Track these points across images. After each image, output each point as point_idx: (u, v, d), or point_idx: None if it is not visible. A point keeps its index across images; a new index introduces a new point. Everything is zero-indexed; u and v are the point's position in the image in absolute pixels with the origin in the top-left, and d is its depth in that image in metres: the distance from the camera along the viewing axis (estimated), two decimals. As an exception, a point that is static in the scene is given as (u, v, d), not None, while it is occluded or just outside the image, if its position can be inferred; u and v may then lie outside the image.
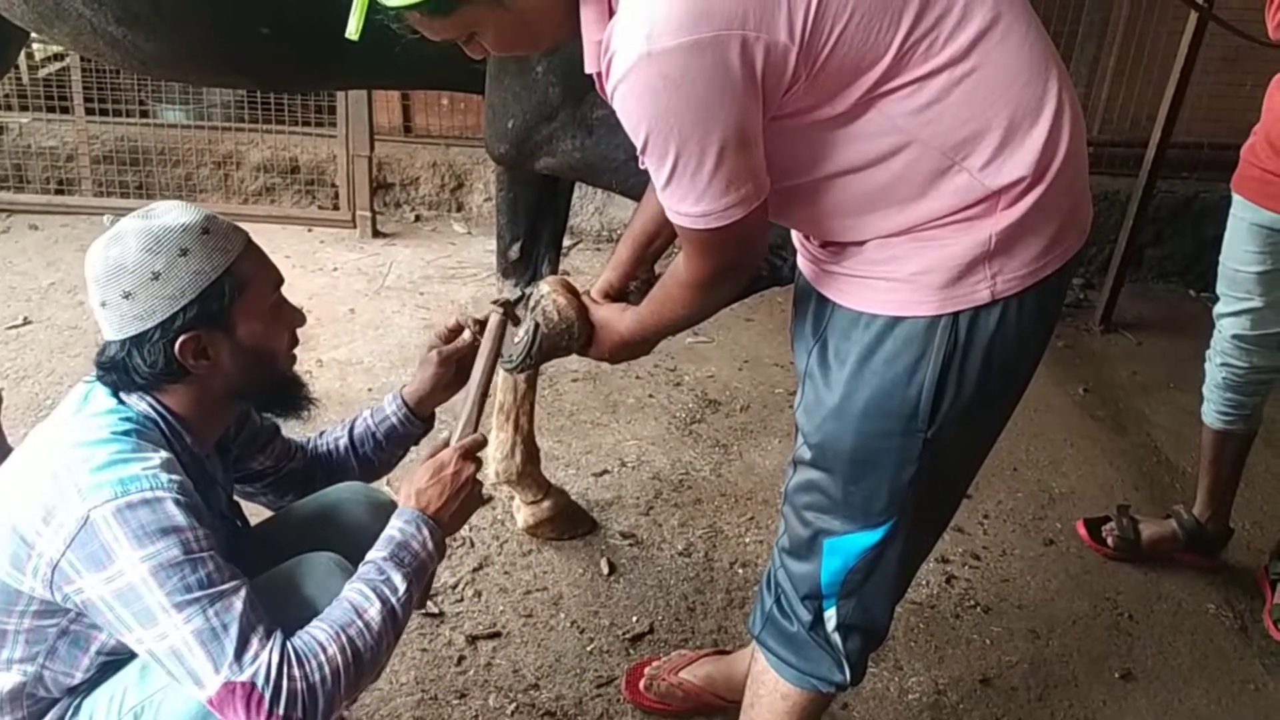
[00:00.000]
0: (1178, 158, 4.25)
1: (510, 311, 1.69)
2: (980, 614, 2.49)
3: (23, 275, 3.86)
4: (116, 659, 1.43)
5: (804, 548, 1.53)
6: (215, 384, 1.45)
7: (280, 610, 1.34)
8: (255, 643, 1.27)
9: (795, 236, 1.52)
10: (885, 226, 1.30)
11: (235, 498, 1.69)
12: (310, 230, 4.46)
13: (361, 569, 1.43)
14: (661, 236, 1.66)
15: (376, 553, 1.44)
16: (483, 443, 1.60)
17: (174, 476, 1.33)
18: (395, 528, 1.47)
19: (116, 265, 1.35)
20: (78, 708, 1.46)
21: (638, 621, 2.37)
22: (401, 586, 1.39)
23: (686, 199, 1.22)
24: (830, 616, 1.56)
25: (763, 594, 1.65)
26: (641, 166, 1.24)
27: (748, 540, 2.67)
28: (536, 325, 1.59)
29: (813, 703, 1.66)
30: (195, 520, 1.31)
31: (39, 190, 4.49)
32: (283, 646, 1.28)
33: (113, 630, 1.31)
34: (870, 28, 1.17)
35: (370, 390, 3.23)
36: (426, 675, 2.16)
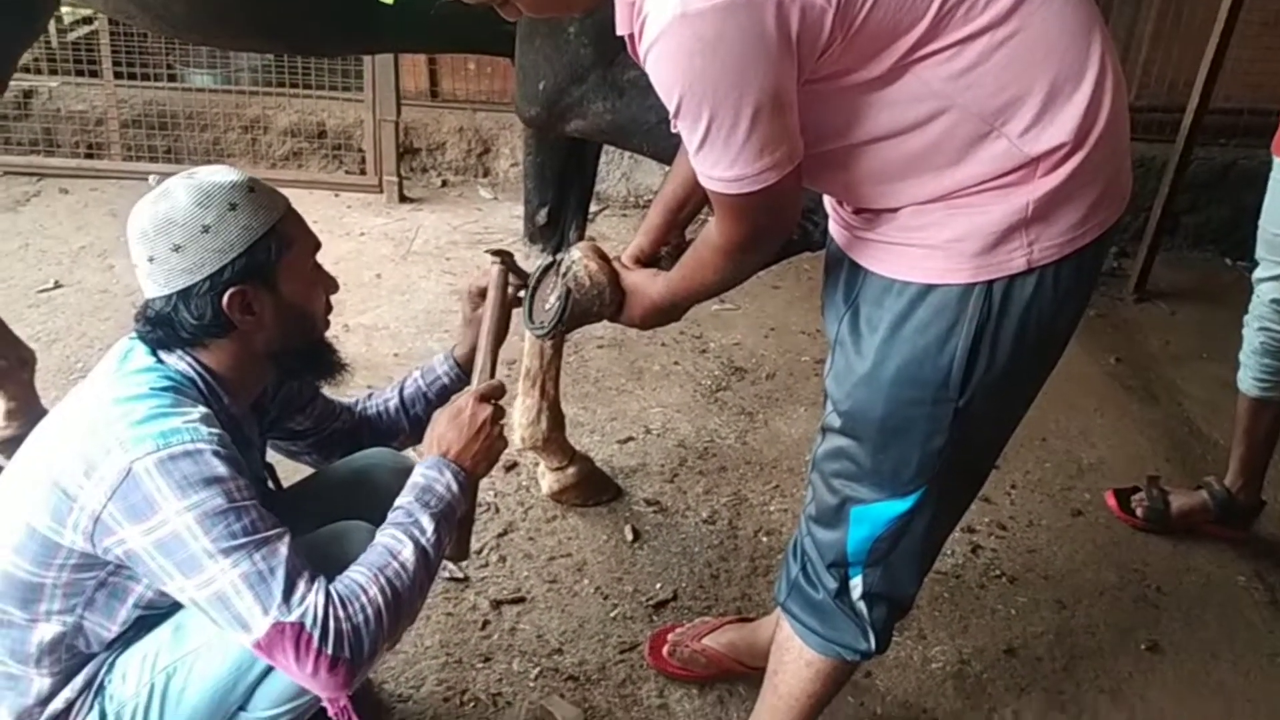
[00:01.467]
0: (1216, 123, 4.17)
1: (509, 261, 1.69)
2: (1006, 584, 2.48)
3: (53, 239, 3.88)
4: (154, 613, 1.46)
5: (831, 515, 1.53)
6: (256, 341, 1.46)
7: (320, 570, 1.37)
8: (301, 585, 1.30)
9: (828, 202, 1.50)
10: (920, 193, 1.28)
11: (270, 461, 1.71)
12: (337, 195, 4.46)
13: (391, 515, 1.46)
14: (693, 201, 1.65)
15: (403, 498, 1.47)
16: (499, 388, 1.62)
17: (214, 430, 1.35)
18: (419, 473, 1.50)
19: (166, 219, 1.37)
20: (111, 664, 1.49)
21: (661, 588, 2.37)
22: (430, 527, 1.43)
23: (720, 163, 1.20)
24: (856, 585, 1.55)
25: (788, 562, 1.65)
26: (674, 130, 1.23)
27: (772, 508, 2.67)
28: (568, 290, 1.59)
29: (837, 670, 1.66)
30: (236, 471, 1.34)
31: (69, 154, 4.51)
32: (327, 589, 1.31)
33: (155, 581, 1.34)
34: None
35: (396, 355, 3.24)
36: (451, 639, 2.17)
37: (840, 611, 1.58)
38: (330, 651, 1.28)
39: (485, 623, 2.23)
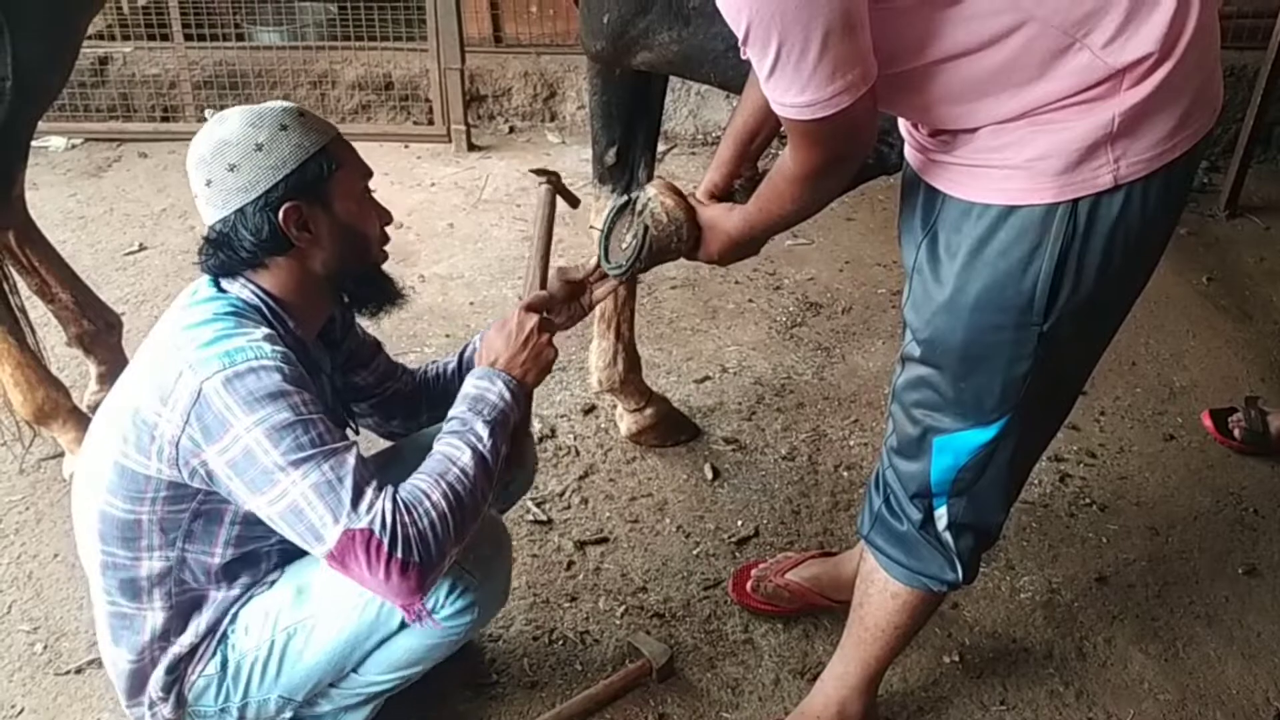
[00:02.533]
0: (1312, 26, 3.96)
1: (555, 180, 1.69)
2: (1096, 512, 2.43)
3: (135, 203, 3.98)
4: (252, 533, 1.51)
5: (913, 446, 1.51)
6: (314, 261, 1.49)
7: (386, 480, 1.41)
8: (370, 493, 1.34)
9: (902, 124, 1.46)
10: (1000, 112, 1.23)
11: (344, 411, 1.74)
12: (407, 146, 4.48)
13: (446, 425, 1.50)
14: (763, 132, 1.61)
15: (457, 408, 1.51)
16: (546, 298, 1.64)
17: (277, 348, 1.40)
18: (470, 384, 1.54)
19: (221, 141, 1.42)
20: (235, 616, 1.56)
21: (742, 525, 2.38)
22: (485, 433, 1.46)
23: (791, 89, 1.17)
24: (941, 515, 1.54)
25: (870, 494, 1.64)
26: (744, 57, 1.20)
27: (852, 443, 2.65)
28: (646, 228, 1.58)
29: (924, 601, 1.65)
30: (301, 386, 1.38)
31: (145, 119, 4.60)
32: (394, 496, 1.35)
33: (237, 501, 1.39)
34: None
35: (472, 304, 3.26)
36: (538, 580, 2.21)
37: (925, 542, 1.57)
38: (400, 555, 1.32)
39: (570, 563, 2.26)
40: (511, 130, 4.71)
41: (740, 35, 1.16)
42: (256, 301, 1.47)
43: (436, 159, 4.39)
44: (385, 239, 1.59)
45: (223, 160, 1.42)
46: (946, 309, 1.36)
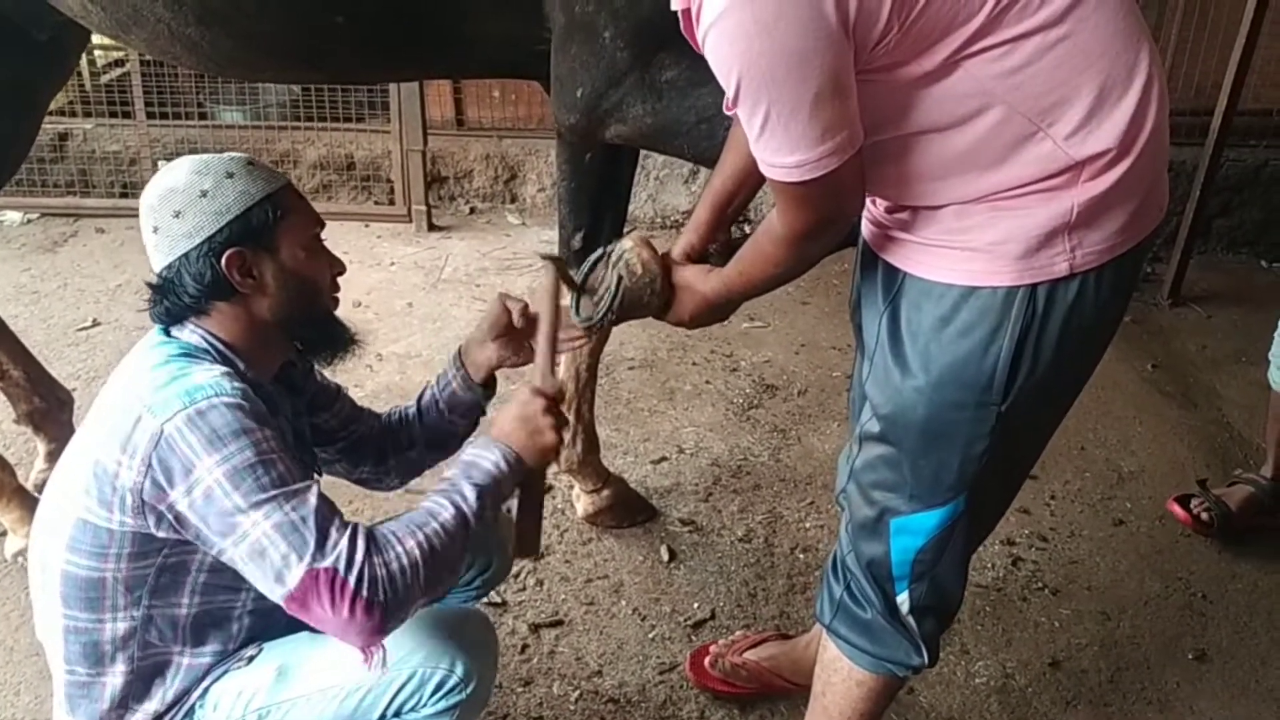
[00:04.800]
0: (1245, 125, 4.13)
1: (561, 266, 1.69)
2: (1048, 596, 2.45)
3: (91, 278, 3.95)
4: (220, 581, 1.47)
5: (870, 528, 1.52)
6: (260, 307, 1.49)
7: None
8: (334, 533, 1.32)
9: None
10: (966, 191, 1.27)
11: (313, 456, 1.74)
12: (367, 226, 4.51)
13: (435, 488, 1.48)
14: (740, 196, 1.63)
15: (449, 472, 1.49)
16: (556, 386, 1.62)
17: (236, 384, 1.38)
18: (468, 452, 1.52)
19: (168, 188, 1.44)
20: (206, 690, 1.51)
21: (699, 608, 2.37)
22: (471, 495, 1.44)
23: (780, 150, 1.19)
24: (904, 600, 1.54)
25: (829, 582, 1.64)
26: (730, 114, 1.22)
27: (808, 525, 2.66)
28: (620, 279, 1.56)
29: (888, 687, 1.65)
30: (262, 422, 1.37)
31: (104, 194, 4.59)
32: (365, 535, 1.33)
33: (205, 545, 1.35)
34: None
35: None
36: (491, 663, 2.17)
37: (890, 628, 1.57)
38: (365, 594, 1.29)
39: (524, 646, 2.23)
40: (472, 211, 4.76)
41: (730, 92, 1.18)
42: (205, 346, 1.46)
43: (397, 238, 4.41)
44: (336, 287, 1.60)
45: (169, 207, 1.43)
46: (910, 386, 1.39)
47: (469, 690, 1.50)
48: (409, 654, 1.47)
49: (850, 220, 1.33)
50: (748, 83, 1.15)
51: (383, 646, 1.43)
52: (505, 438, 1.53)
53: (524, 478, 1.56)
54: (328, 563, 1.29)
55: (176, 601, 1.46)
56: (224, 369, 1.41)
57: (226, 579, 1.46)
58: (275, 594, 1.32)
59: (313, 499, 1.34)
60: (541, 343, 1.68)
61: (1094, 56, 1.21)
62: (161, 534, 1.37)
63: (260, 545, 1.30)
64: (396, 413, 1.85)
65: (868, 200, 1.45)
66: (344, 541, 1.31)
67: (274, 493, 1.31)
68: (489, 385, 1.82)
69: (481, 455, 1.50)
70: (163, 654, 1.49)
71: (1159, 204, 1.35)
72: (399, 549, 1.34)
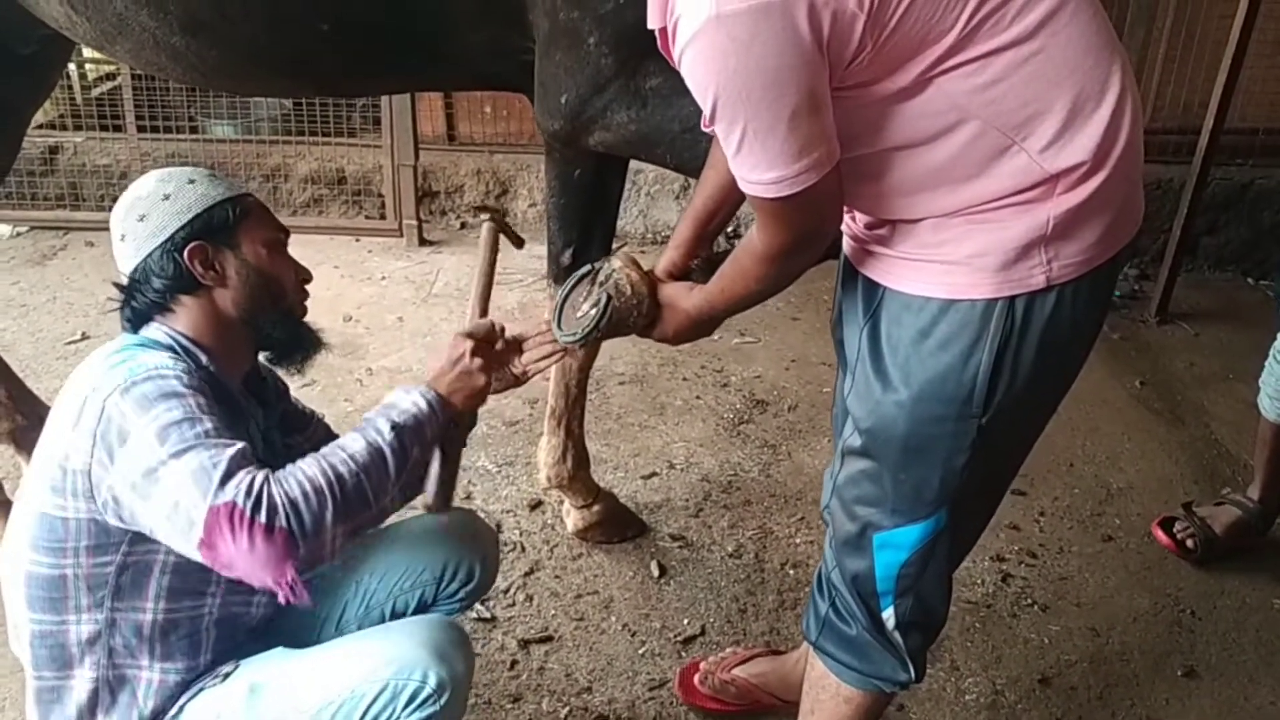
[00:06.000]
0: (1232, 143, 4.17)
1: (499, 219, 1.72)
2: (1038, 613, 2.45)
3: (79, 291, 3.94)
4: (187, 584, 1.47)
5: (853, 544, 1.52)
6: (224, 300, 1.51)
7: None
8: (241, 474, 1.29)
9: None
10: (942, 205, 1.28)
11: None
12: (358, 240, 4.50)
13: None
14: (722, 213, 1.64)
15: (368, 414, 1.49)
16: (486, 326, 1.65)
17: (182, 364, 1.40)
18: (390, 395, 1.53)
19: (134, 197, 1.51)
20: (181, 709, 1.50)
21: (689, 624, 2.36)
22: (386, 429, 1.43)
23: (758, 166, 1.20)
24: (889, 616, 1.54)
25: (815, 599, 1.64)
26: (709, 130, 1.23)
27: (798, 541, 2.66)
28: (608, 298, 1.57)
29: (876, 703, 1.65)
30: (199, 393, 1.37)
31: (94, 208, 4.57)
32: (266, 470, 1.32)
33: (145, 525, 1.33)
34: (939, 1, 1.15)
35: (419, 397, 3.25)
36: (480, 680, 2.17)
37: (876, 644, 1.57)
38: (264, 520, 1.26)
39: (514, 662, 2.22)
40: (463, 226, 4.76)
41: (707, 111, 1.18)
42: (169, 341, 1.47)
43: (388, 253, 4.41)
44: (304, 294, 1.61)
45: (134, 213, 1.50)
46: (890, 400, 1.39)
47: (443, 701, 1.47)
48: (381, 666, 1.45)
49: (829, 235, 1.34)
50: (724, 101, 1.16)
51: (298, 582, 1.34)
52: (433, 382, 1.55)
53: (451, 421, 1.55)
54: (227, 497, 1.27)
55: (141, 606, 1.46)
56: (173, 355, 1.43)
57: (192, 582, 1.46)
58: (191, 547, 1.29)
59: (232, 450, 1.31)
60: (475, 290, 1.71)
61: (1067, 71, 1.22)
62: (114, 522, 1.37)
63: (177, 500, 1.28)
64: None
65: (847, 215, 1.46)
66: (245, 477, 1.29)
67: (195, 443, 1.31)
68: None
69: (401, 396, 1.50)
70: (130, 666, 1.48)
71: (1134, 217, 1.36)
72: (299, 476, 1.32)
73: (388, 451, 1.41)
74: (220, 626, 1.53)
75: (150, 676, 1.49)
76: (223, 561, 1.29)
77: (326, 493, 1.32)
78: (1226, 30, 3.67)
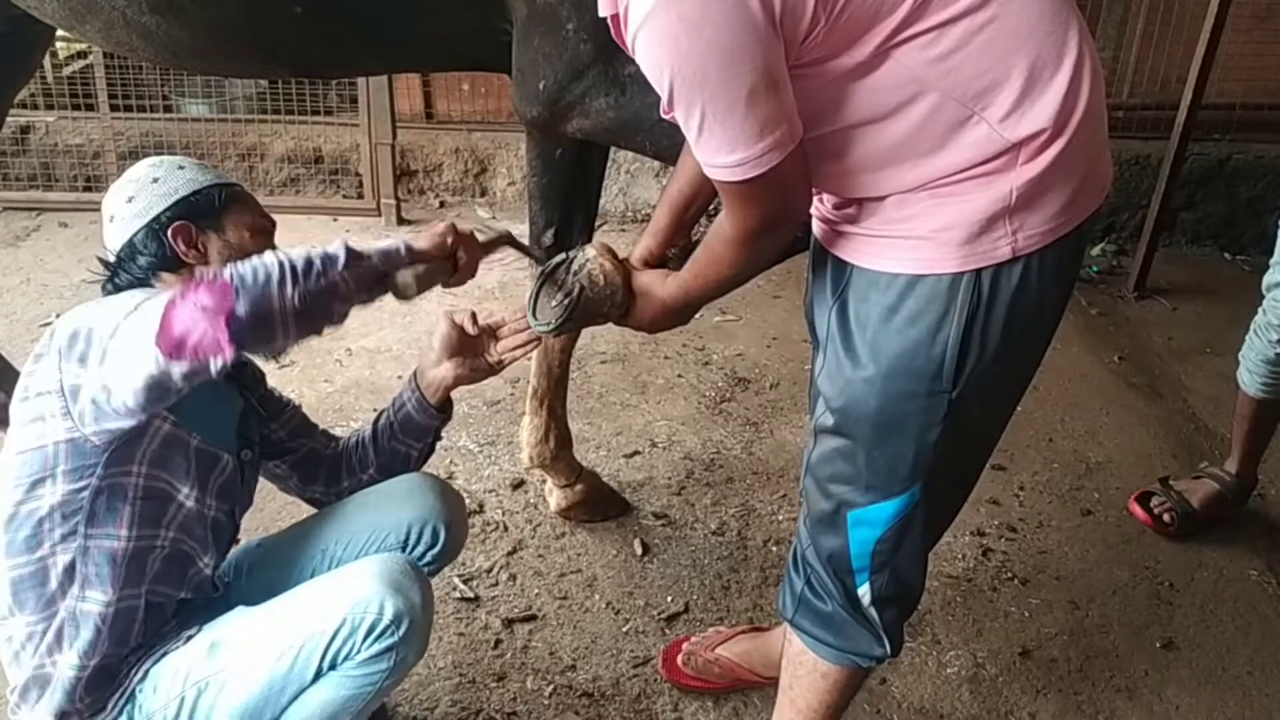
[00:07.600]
0: (1210, 119, 4.17)
1: (513, 242, 1.67)
2: (1018, 586, 2.47)
3: (54, 273, 3.89)
4: (159, 508, 1.50)
5: (828, 521, 1.52)
6: None
7: None
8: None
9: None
10: (905, 180, 1.28)
11: (261, 463, 1.78)
12: (336, 220, 4.47)
13: None
14: (698, 200, 1.64)
15: None
16: (502, 239, 1.64)
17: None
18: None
19: (125, 181, 1.57)
20: (146, 674, 1.51)
21: (672, 601, 2.37)
22: (333, 247, 1.35)
23: (720, 149, 1.19)
24: (864, 592, 1.55)
25: (790, 576, 1.64)
26: (668, 116, 1.22)
27: (781, 518, 2.67)
28: (581, 288, 1.57)
29: (853, 677, 1.66)
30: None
31: (67, 188, 4.53)
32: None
33: (118, 381, 1.31)
34: None
35: (399, 378, 3.23)
36: (464, 659, 2.17)
37: (852, 620, 1.57)
38: (210, 276, 1.27)
39: (498, 641, 2.23)
40: (442, 205, 4.73)
41: (665, 96, 1.18)
42: None
43: (366, 232, 4.37)
44: None
45: (123, 195, 1.55)
46: (859, 378, 1.39)
47: (401, 631, 1.48)
48: (337, 605, 1.46)
49: (798, 217, 1.34)
50: (680, 84, 1.15)
51: (235, 333, 1.27)
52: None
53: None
54: (180, 290, 1.28)
55: (115, 533, 1.46)
56: None
57: (153, 510, 1.49)
58: (150, 351, 1.26)
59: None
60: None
61: (1022, 38, 1.21)
62: (92, 431, 1.38)
63: (145, 309, 1.30)
64: (354, 436, 1.87)
65: (816, 198, 1.45)
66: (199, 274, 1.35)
67: (154, 295, 1.35)
68: (445, 408, 1.82)
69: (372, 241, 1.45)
70: (96, 600, 1.47)
71: (1100, 184, 1.35)
72: (244, 266, 1.29)
73: (334, 263, 1.34)
74: (169, 563, 1.53)
75: (128, 665, 1.50)
76: (174, 338, 1.24)
77: (274, 277, 1.28)
78: (1204, 5, 3.68)
